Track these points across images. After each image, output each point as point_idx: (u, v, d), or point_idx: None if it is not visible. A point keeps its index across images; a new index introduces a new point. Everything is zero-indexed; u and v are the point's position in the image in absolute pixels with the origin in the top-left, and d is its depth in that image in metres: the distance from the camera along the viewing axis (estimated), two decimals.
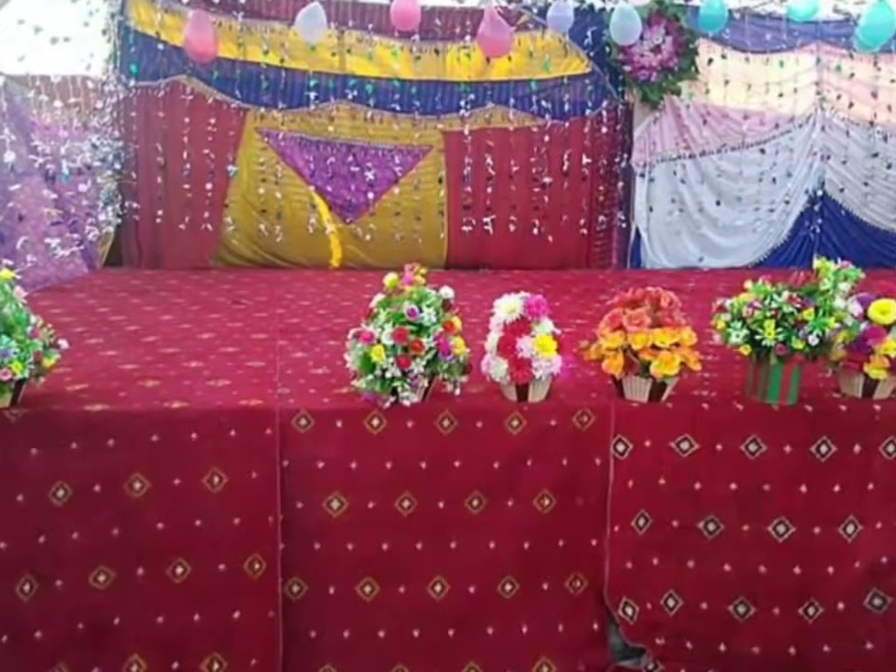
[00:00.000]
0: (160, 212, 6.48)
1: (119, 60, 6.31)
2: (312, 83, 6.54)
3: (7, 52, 5.31)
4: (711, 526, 2.88)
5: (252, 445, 2.67)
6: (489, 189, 6.85)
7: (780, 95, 7.06)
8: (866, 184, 7.26)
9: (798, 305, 2.69)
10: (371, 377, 2.63)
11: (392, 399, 2.68)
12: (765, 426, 2.85)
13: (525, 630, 2.85)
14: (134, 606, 2.63)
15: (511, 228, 6.89)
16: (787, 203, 7.26)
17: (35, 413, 2.60)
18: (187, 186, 6.46)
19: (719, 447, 2.85)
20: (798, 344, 2.69)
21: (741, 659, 2.91)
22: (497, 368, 2.75)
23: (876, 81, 7.14)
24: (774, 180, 7.18)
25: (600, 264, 7.12)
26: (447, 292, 2.76)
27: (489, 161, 6.80)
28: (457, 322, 2.78)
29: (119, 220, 6.40)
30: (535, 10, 6.66)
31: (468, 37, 6.55)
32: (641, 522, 2.87)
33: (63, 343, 2.76)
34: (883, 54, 6.98)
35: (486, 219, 6.83)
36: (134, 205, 6.46)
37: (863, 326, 2.84)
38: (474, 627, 2.84)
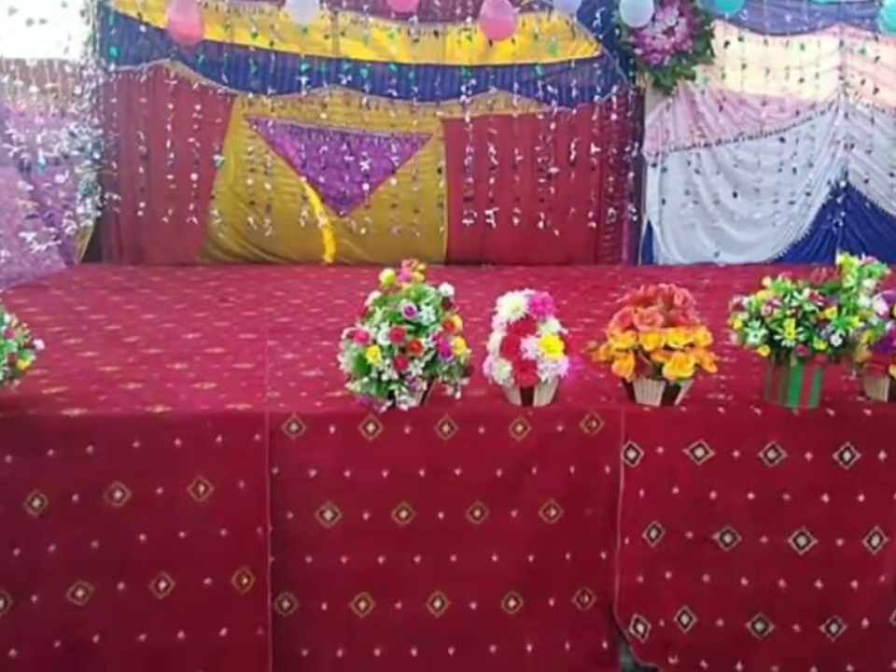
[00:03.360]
0: (142, 204, 6.47)
1: (99, 43, 6.30)
2: (303, 67, 6.52)
3: None
4: (727, 538, 2.88)
5: (240, 452, 2.67)
6: (492, 180, 6.83)
7: (801, 80, 7.04)
8: (892, 174, 7.24)
9: (820, 303, 2.69)
10: (366, 380, 2.63)
11: (389, 402, 2.68)
12: (785, 431, 2.86)
13: (529, 648, 2.85)
14: (115, 622, 2.63)
15: (515, 221, 6.87)
16: (808, 194, 7.24)
17: (9, 419, 2.61)
18: (170, 176, 6.45)
19: (735, 454, 2.85)
20: (820, 345, 2.69)
21: None
22: (499, 370, 2.75)
23: None
24: (794, 170, 7.16)
25: (609, 260, 7.10)
26: (447, 289, 2.76)
27: (492, 150, 6.78)
28: (458, 321, 2.79)
29: (99, 213, 6.39)
30: None
31: (469, 19, 6.53)
32: (653, 533, 2.87)
33: (39, 344, 2.76)
34: None
35: (489, 212, 6.82)
36: (115, 197, 6.45)
37: (889, 325, 2.84)
38: (476, 645, 2.84)
